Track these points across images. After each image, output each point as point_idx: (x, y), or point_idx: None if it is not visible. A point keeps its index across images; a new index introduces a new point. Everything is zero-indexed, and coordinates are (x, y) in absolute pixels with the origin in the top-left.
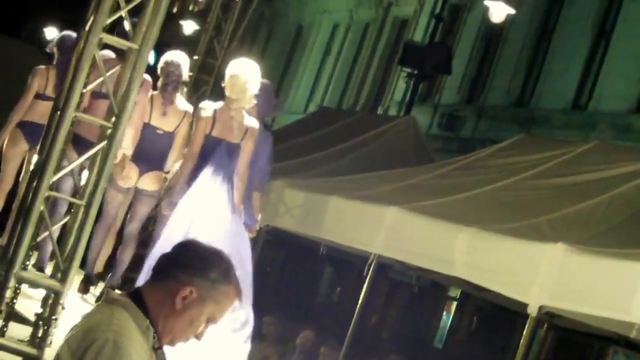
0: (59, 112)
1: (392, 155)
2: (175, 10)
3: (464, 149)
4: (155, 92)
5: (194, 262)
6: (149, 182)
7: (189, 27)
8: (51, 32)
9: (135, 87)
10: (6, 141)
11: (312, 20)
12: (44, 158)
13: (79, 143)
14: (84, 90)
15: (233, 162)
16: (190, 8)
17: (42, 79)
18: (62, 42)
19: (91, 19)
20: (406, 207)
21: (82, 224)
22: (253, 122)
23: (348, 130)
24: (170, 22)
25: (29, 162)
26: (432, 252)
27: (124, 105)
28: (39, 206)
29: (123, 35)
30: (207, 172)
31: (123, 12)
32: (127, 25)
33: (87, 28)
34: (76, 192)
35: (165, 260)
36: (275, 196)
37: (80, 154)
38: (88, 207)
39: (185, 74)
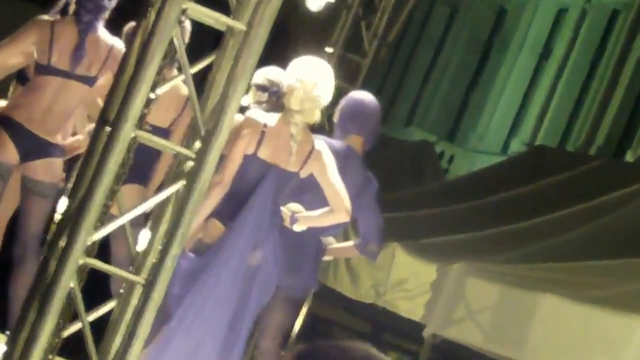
0: (107, 128)
1: None
2: None
3: None
4: None
5: None
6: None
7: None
8: None
9: (239, 94)
10: None
11: (521, 2)
12: (78, 203)
13: None
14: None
15: (282, 197)
16: None
17: None
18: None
19: None
20: None
21: (138, 311)
22: (320, 145)
23: (577, 186)
24: None
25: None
26: None
27: (218, 122)
28: (67, 282)
29: None
30: (246, 217)
31: None
32: None
33: None
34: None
35: None
36: (448, 290)
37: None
38: (149, 287)
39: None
